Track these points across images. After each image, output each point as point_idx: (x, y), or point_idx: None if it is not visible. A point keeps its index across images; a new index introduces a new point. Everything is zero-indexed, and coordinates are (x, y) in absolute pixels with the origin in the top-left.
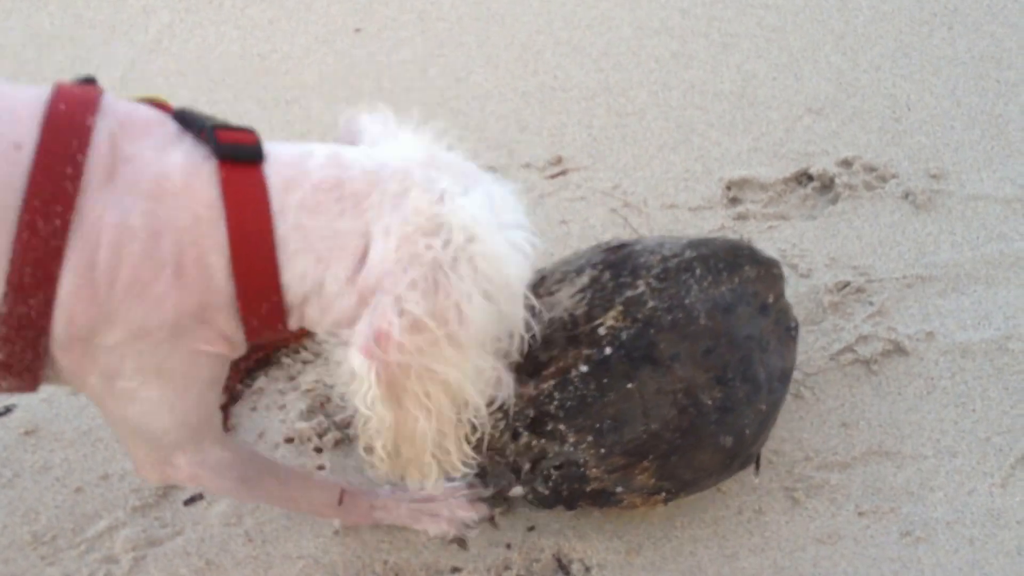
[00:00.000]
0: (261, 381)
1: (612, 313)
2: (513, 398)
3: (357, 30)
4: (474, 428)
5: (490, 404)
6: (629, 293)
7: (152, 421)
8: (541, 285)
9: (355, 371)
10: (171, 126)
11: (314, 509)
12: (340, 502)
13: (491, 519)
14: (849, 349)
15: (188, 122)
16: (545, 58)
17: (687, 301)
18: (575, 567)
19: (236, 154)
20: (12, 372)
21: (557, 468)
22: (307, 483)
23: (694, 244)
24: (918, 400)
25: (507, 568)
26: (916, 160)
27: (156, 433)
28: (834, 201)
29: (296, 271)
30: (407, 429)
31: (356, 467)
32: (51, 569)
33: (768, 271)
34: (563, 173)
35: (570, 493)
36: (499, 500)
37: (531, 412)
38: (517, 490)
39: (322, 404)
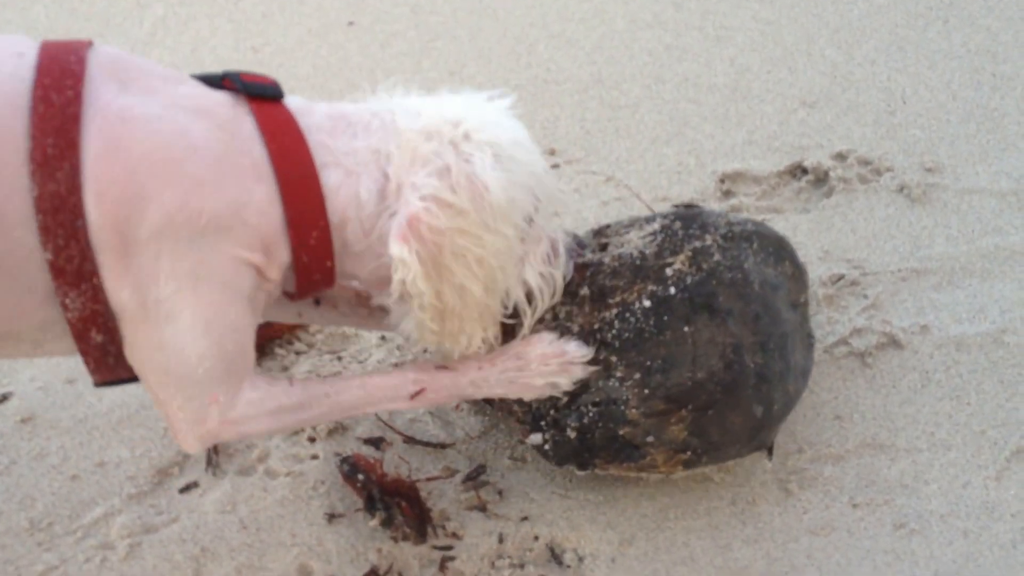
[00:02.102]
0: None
1: (681, 257)
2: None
3: (350, 23)
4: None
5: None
6: (698, 244)
7: (188, 345)
8: (608, 227)
9: (397, 258)
10: (176, 73)
11: (389, 408)
12: (415, 396)
13: (484, 508)
14: (843, 342)
15: (207, 79)
16: (538, 51)
17: (746, 265)
18: (568, 556)
19: (261, 91)
20: (68, 280)
21: (596, 404)
22: (368, 388)
23: (754, 222)
24: (912, 393)
25: (500, 557)
26: (911, 153)
27: (191, 363)
28: (828, 194)
29: (331, 183)
30: (450, 302)
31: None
32: (47, 555)
33: (801, 275)
34: (556, 166)
35: (599, 437)
36: (492, 491)
37: (588, 339)
38: (535, 438)
39: None
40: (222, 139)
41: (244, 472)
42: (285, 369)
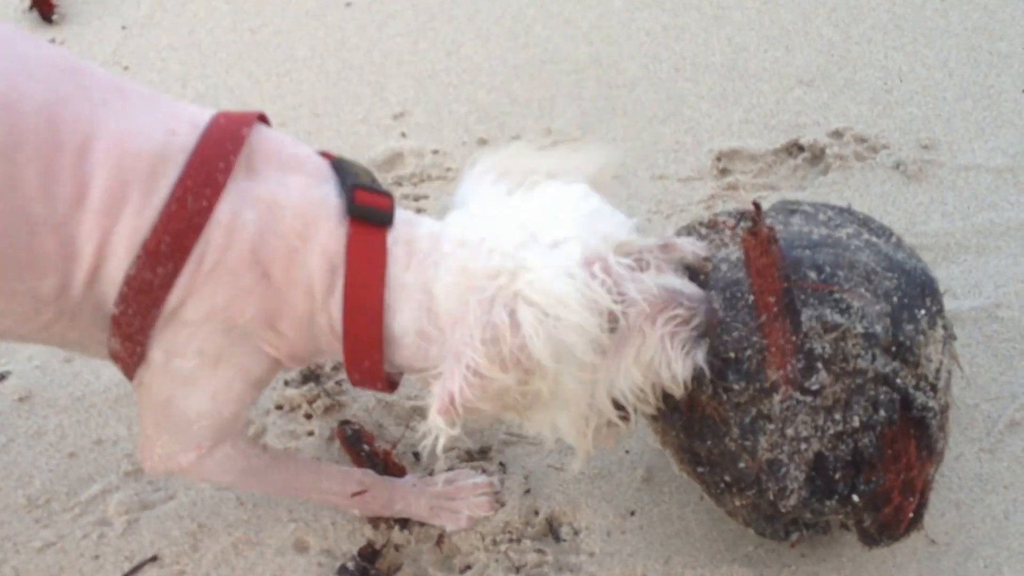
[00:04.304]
0: None
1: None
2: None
3: (348, 4)
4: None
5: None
6: (901, 254)
7: (192, 405)
8: (845, 280)
9: (433, 426)
10: (319, 166)
11: (327, 499)
12: (354, 495)
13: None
14: None
15: (340, 171)
16: (535, 31)
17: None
18: (564, 531)
19: (366, 215)
20: (121, 333)
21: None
22: (320, 474)
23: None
24: None
25: (497, 532)
26: (907, 131)
27: (189, 418)
28: (825, 172)
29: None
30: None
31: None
32: (45, 531)
33: None
34: (553, 145)
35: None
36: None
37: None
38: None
39: (313, 372)
40: (296, 255)
41: None
42: None
